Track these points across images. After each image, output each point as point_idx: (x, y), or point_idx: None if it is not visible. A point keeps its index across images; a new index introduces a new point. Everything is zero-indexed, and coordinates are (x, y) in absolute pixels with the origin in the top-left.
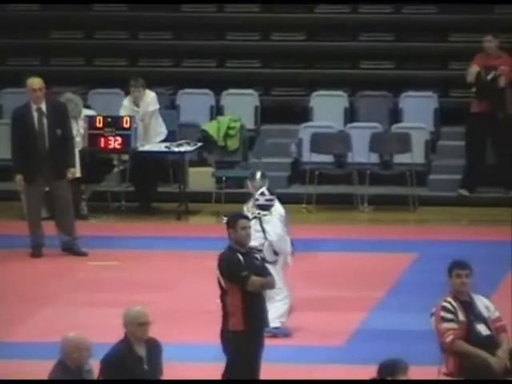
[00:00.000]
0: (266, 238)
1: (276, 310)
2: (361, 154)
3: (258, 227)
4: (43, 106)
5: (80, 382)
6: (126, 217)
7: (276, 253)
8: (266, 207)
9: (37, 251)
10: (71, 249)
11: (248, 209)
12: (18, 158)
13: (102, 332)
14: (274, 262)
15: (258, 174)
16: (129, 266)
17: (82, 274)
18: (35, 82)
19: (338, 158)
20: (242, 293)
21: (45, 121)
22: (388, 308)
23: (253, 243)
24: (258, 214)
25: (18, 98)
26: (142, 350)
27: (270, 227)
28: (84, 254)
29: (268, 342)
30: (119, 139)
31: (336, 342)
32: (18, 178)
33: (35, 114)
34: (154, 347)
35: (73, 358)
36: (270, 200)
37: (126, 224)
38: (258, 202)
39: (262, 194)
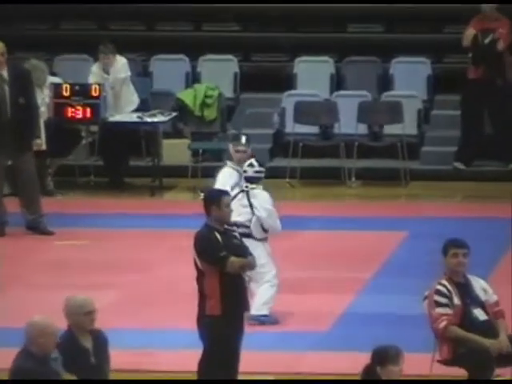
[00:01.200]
0: (253, 213)
1: (264, 294)
2: (348, 124)
3: (245, 201)
4: (4, 73)
5: (81, 381)
6: (96, 193)
7: (265, 230)
8: (254, 179)
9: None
10: (36, 227)
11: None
12: None
13: None
14: (262, 240)
15: (244, 138)
16: (99, 245)
17: (48, 255)
18: None
19: (323, 128)
20: (219, 275)
21: (6, 88)
22: (376, 290)
23: (239, 218)
24: (246, 187)
25: None
26: (87, 342)
27: (258, 202)
28: (50, 233)
29: (248, 327)
30: (87, 109)
31: (320, 326)
32: None
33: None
34: (99, 338)
35: (38, 344)
36: (260, 172)
37: (96, 200)
38: (246, 174)
39: (251, 165)
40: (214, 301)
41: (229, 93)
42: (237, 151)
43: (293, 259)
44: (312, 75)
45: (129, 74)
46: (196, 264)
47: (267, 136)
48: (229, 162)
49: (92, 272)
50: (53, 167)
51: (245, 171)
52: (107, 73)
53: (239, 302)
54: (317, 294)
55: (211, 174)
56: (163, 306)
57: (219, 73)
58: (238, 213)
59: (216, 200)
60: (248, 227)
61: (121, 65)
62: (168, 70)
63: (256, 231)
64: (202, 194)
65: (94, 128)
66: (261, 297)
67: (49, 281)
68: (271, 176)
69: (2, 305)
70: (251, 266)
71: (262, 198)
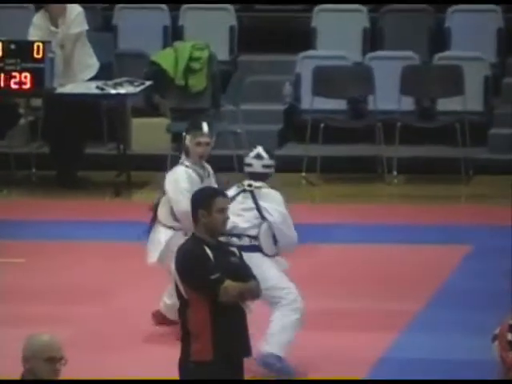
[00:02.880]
0: (263, 218)
1: (281, 323)
2: (388, 98)
3: (250, 203)
4: None
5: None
6: (38, 191)
7: (276, 241)
8: (262, 176)
9: None
10: None
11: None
12: None
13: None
14: (273, 255)
15: (206, 126)
16: (41, 264)
17: None
18: None
19: (353, 103)
20: (210, 305)
21: None
22: (426, 327)
23: (242, 225)
24: (249, 185)
25: None
26: None
27: (269, 204)
28: None
29: (250, 373)
30: (27, 76)
31: (353, 374)
32: None
33: None
34: None
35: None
36: (270, 166)
37: (38, 202)
38: (250, 169)
39: (259, 156)
40: (203, 341)
41: (223, 54)
42: (198, 144)
43: (315, 284)
44: (337, 30)
45: (85, 27)
46: (178, 290)
47: (276, 113)
48: (186, 161)
49: (29, 301)
50: None
51: (249, 165)
52: (55, 26)
53: (237, 343)
54: (348, 331)
55: None
56: (131, 348)
57: (210, 27)
58: (241, 219)
59: (204, 202)
60: (254, 237)
61: (74, 15)
62: (139, 23)
63: (266, 244)
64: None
65: (37, 102)
66: (275, 326)
67: None
68: (281, 169)
69: None
70: (253, 293)
71: (272, 199)
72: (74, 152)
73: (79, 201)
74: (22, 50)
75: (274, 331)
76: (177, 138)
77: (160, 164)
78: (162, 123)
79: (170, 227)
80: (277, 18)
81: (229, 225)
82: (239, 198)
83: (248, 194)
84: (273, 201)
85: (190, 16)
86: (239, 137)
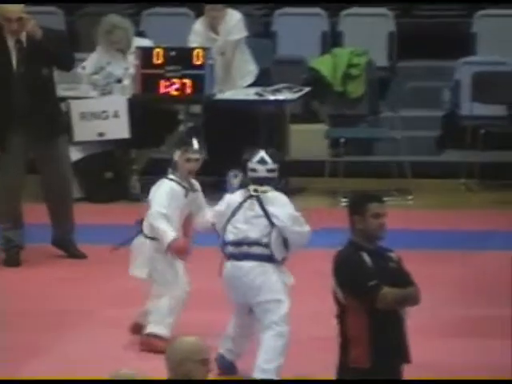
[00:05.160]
0: (272, 224)
1: (269, 346)
2: None
3: (259, 211)
4: (23, 38)
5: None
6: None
7: (286, 247)
8: (267, 181)
9: (12, 256)
10: (65, 247)
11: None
12: None
13: None
14: (280, 263)
15: (196, 142)
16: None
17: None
18: (13, 10)
19: None
20: (368, 312)
21: (25, 58)
22: None
23: (251, 235)
24: (255, 191)
25: None
26: None
27: (275, 209)
28: (82, 256)
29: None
30: (187, 82)
31: None
32: None
33: (14, 50)
34: None
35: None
36: (274, 171)
37: None
38: (255, 174)
39: (262, 161)
40: (361, 348)
41: (382, 60)
42: (188, 160)
43: (475, 293)
44: (499, 35)
45: (245, 34)
46: (335, 296)
47: (434, 120)
48: (172, 175)
49: (195, 307)
50: (140, 163)
51: (253, 170)
52: (215, 32)
53: (395, 350)
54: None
55: (357, 171)
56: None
57: (368, 33)
58: (249, 227)
59: (359, 208)
60: (266, 246)
61: (234, 22)
62: (298, 28)
63: (277, 250)
64: (345, 201)
65: (196, 109)
66: (265, 350)
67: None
68: (439, 175)
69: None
70: (412, 299)
71: (279, 202)
72: (233, 158)
73: None
74: (182, 57)
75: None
76: (335, 145)
77: (318, 170)
78: (320, 129)
79: (153, 238)
80: (436, 23)
81: (240, 233)
82: (246, 204)
83: (254, 201)
84: (279, 204)
85: (348, 22)
86: (398, 143)
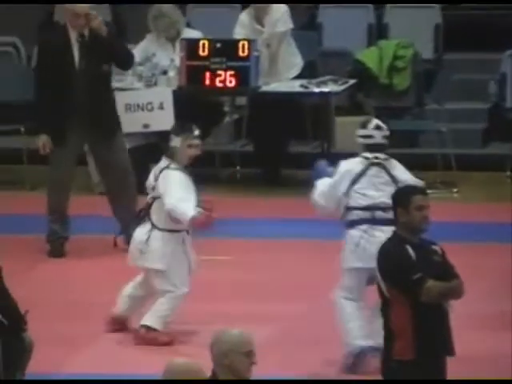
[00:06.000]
0: None
1: None
2: None
3: (386, 177)
4: (86, 33)
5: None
6: (243, 189)
7: None
8: (382, 147)
9: (57, 247)
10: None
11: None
12: (45, 110)
13: None
14: None
15: (197, 130)
16: (248, 262)
17: None
18: (81, 6)
19: None
20: (412, 305)
21: (88, 54)
22: None
23: (385, 200)
24: (376, 158)
25: None
26: None
27: (402, 174)
28: None
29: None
30: (232, 74)
31: None
32: (42, 139)
33: (76, 46)
34: None
35: None
36: (387, 137)
37: (243, 200)
38: (371, 141)
39: (379, 127)
40: (405, 340)
41: (427, 53)
42: (190, 146)
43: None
44: None
45: (291, 26)
46: (380, 289)
47: (480, 112)
48: (172, 164)
49: (239, 298)
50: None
51: (369, 136)
52: (261, 24)
53: (438, 342)
54: None
55: (402, 164)
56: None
57: (414, 25)
58: (379, 193)
59: (403, 200)
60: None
61: (280, 14)
62: (343, 21)
63: None
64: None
65: (242, 101)
66: None
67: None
68: (485, 168)
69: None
70: (456, 292)
71: (401, 168)
72: (278, 150)
73: (283, 199)
74: (227, 49)
75: None
76: None
77: None
78: None
79: (169, 230)
80: (482, 15)
81: (370, 200)
82: (371, 171)
83: (380, 168)
84: (402, 170)
85: (394, 14)
86: (443, 135)
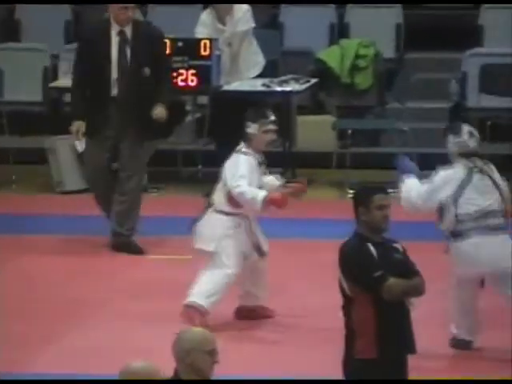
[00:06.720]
0: (502, 194)
1: None
2: None
3: (488, 182)
4: (128, 30)
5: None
6: (205, 188)
7: None
8: (477, 153)
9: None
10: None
11: None
12: (79, 98)
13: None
14: None
15: (272, 115)
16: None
17: (138, 274)
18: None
19: None
20: (374, 302)
21: (128, 51)
22: None
23: (495, 206)
24: (475, 164)
25: None
26: None
27: (499, 177)
28: (139, 252)
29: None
30: (194, 73)
31: None
32: (77, 125)
33: (116, 40)
34: None
35: None
36: (478, 143)
37: (203, 198)
38: (468, 148)
39: (472, 134)
40: (366, 339)
41: (389, 52)
42: (265, 131)
43: None
44: (506, 27)
45: (252, 25)
46: (341, 288)
47: (441, 111)
48: (243, 148)
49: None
50: (147, 153)
51: (465, 144)
52: (222, 23)
53: (400, 340)
54: None
55: (364, 163)
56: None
57: (376, 24)
58: (487, 199)
59: (364, 200)
60: (502, 215)
61: (242, 13)
62: (305, 20)
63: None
64: (352, 192)
65: (204, 100)
66: None
67: (135, 308)
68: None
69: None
70: (417, 290)
71: (497, 172)
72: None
73: None
74: (189, 48)
75: None
76: (342, 136)
77: (325, 161)
78: (327, 121)
79: (227, 213)
80: (443, 15)
81: (479, 207)
82: (475, 177)
83: (482, 174)
84: (498, 173)
85: (355, 14)
86: (405, 135)
